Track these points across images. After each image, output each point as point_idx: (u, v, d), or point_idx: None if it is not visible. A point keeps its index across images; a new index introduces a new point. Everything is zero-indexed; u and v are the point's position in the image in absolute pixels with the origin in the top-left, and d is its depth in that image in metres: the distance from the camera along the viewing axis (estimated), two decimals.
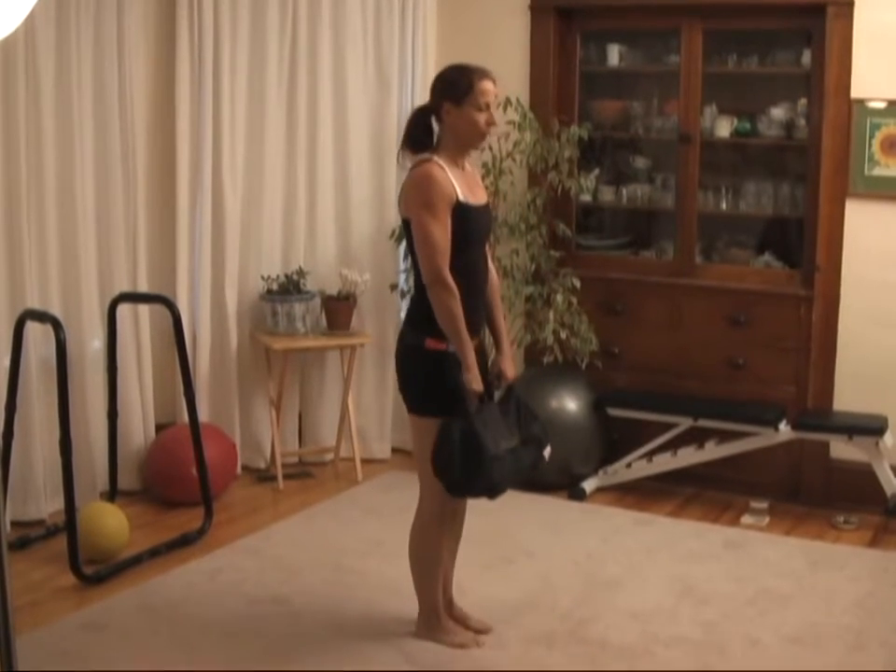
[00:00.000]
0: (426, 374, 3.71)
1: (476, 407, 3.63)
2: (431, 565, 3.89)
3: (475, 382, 3.63)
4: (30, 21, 4.49)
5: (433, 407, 3.69)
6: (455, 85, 3.69)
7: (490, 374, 3.89)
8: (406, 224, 3.71)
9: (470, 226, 3.68)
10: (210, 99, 5.42)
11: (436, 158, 3.67)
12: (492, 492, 3.72)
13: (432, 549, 3.86)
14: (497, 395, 3.87)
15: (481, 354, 3.81)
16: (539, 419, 3.94)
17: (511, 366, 3.94)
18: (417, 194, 3.63)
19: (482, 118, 3.69)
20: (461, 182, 3.68)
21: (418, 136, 3.75)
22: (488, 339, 3.99)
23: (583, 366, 5.67)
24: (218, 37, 5.40)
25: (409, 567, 3.93)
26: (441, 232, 3.59)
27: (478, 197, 3.77)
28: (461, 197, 3.64)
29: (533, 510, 5.20)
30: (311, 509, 5.31)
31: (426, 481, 3.79)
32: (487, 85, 3.71)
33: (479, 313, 3.80)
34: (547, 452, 3.93)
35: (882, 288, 5.26)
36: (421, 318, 3.70)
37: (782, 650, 3.93)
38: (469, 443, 3.59)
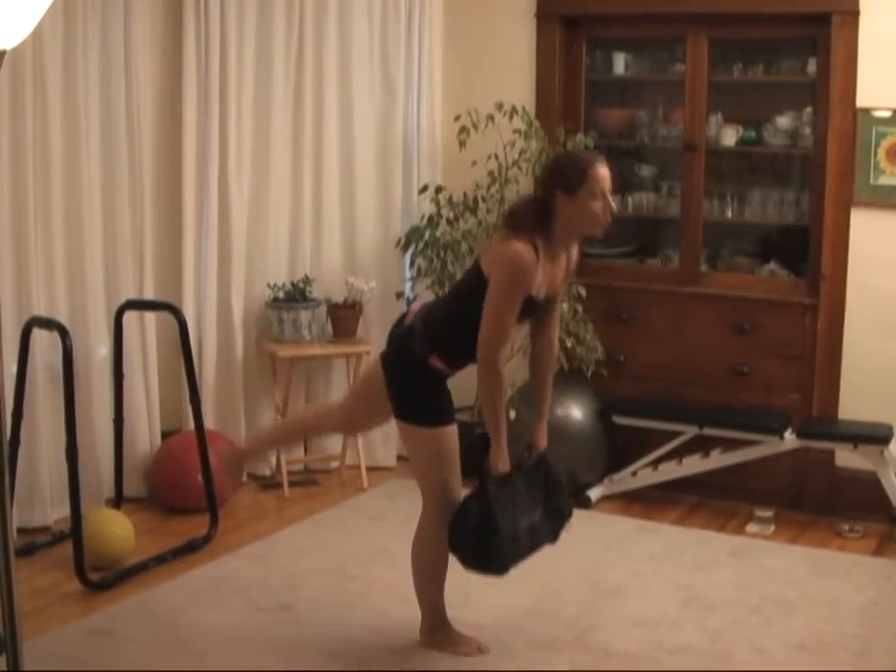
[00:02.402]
0: (420, 385, 3.74)
1: (499, 484, 3.69)
2: (435, 572, 3.89)
3: (503, 464, 3.69)
4: (37, 30, 4.50)
5: (424, 416, 3.73)
6: (568, 175, 3.59)
7: (521, 443, 3.95)
8: (479, 272, 3.65)
9: (524, 314, 3.69)
10: (216, 108, 5.43)
11: (539, 244, 3.59)
12: (503, 572, 3.77)
13: (436, 556, 3.86)
14: (528, 462, 3.92)
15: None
16: (564, 491, 3.99)
17: (544, 438, 3.97)
18: (507, 275, 3.56)
19: (598, 205, 3.61)
20: (546, 274, 3.65)
21: (525, 222, 3.62)
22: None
23: (589, 374, 5.67)
24: (225, 46, 5.41)
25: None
26: (511, 321, 3.60)
27: (552, 288, 3.74)
28: (534, 292, 3.63)
29: None
30: (316, 516, 5.31)
31: (427, 489, 3.81)
32: (602, 170, 3.61)
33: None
34: (568, 526, 3.99)
35: (887, 297, 5.26)
36: (441, 339, 3.72)
37: (787, 658, 3.93)
38: (485, 526, 3.65)
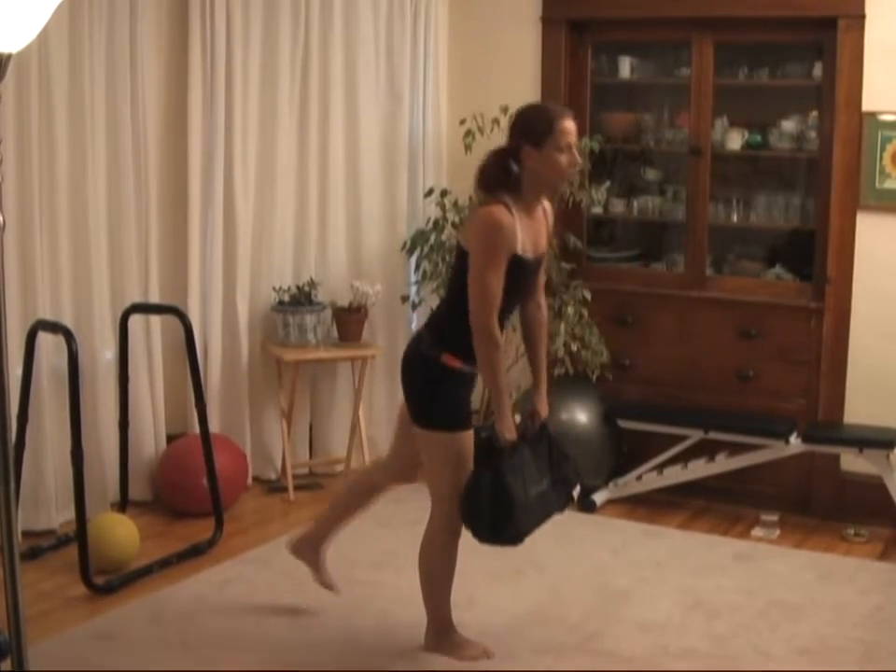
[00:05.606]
0: (437, 388, 3.72)
1: (508, 454, 3.67)
2: (442, 577, 3.89)
3: (509, 432, 3.68)
4: (42, 34, 4.51)
5: (442, 421, 3.71)
6: (535, 127, 3.60)
7: (523, 413, 3.93)
8: (461, 250, 3.68)
9: (519, 278, 3.66)
10: (222, 112, 5.43)
11: (510, 202, 3.60)
12: (518, 541, 3.77)
13: (443, 562, 3.86)
14: (532, 432, 3.90)
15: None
16: (570, 458, 3.96)
17: (545, 405, 3.94)
18: (483, 237, 3.58)
19: (563, 159, 3.60)
20: (527, 231, 3.64)
21: (494, 178, 3.64)
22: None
23: (594, 378, 5.67)
24: (230, 50, 5.41)
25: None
26: (497, 284, 3.58)
27: (538, 247, 3.72)
28: (520, 250, 3.61)
29: None
30: None
31: (438, 494, 3.80)
32: (568, 124, 3.61)
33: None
34: (576, 491, 3.97)
35: (893, 301, 5.26)
36: (446, 333, 3.71)
37: (792, 662, 3.92)
38: (499, 495, 3.64)
